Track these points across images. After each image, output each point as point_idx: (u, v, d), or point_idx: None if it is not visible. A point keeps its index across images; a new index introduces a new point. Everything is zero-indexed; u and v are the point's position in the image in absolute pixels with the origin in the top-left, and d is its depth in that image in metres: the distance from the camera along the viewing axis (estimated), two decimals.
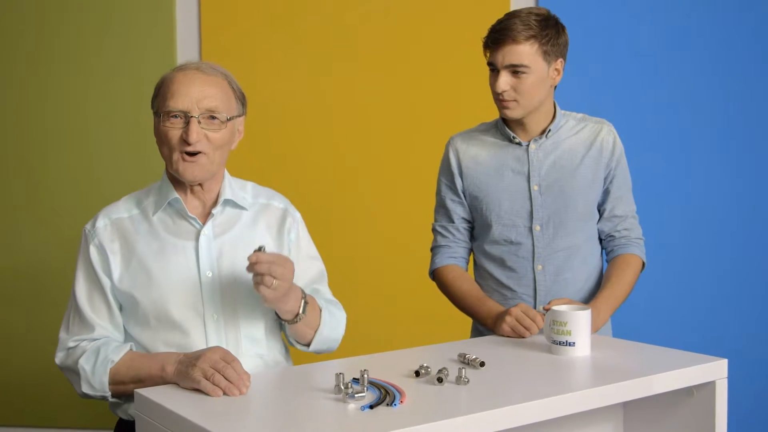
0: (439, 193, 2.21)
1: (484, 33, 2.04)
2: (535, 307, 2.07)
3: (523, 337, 1.92)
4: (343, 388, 1.41)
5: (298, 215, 1.92)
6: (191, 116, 1.69)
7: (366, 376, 1.44)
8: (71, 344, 1.72)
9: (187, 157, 1.70)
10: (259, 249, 1.60)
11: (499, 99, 2.03)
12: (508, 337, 1.94)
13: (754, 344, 3.25)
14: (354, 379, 1.48)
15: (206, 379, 1.46)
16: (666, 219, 3.20)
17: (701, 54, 3.24)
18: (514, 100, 2.01)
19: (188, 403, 1.42)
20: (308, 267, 1.90)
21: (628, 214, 2.14)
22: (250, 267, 1.58)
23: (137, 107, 3.11)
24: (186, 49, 3.19)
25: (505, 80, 1.99)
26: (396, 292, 3.22)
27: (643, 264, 2.13)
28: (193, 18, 3.18)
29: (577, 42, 3.10)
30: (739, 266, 3.29)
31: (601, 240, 2.17)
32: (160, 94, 1.74)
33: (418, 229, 3.18)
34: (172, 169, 1.73)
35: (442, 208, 2.21)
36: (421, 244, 3.16)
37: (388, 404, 1.36)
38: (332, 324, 1.83)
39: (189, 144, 1.68)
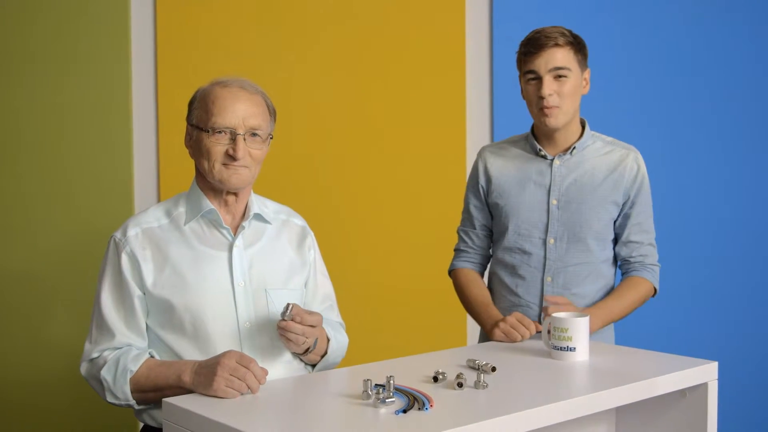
0: (465, 198, 2.32)
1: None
2: (539, 317, 2.15)
3: (515, 341, 2.00)
4: (372, 393, 1.45)
5: (313, 234, 2.02)
6: (238, 133, 1.75)
7: (392, 381, 1.48)
8: (94, 355, 1.73)
9: (230, 164, 1.76)
10: (287, 309, 1.68)
11: (542, 106, 2.09)
12: (500, 341, 2.02)
13: (741, 347, 3.44)
14: (377, 384, 1.52)
15: (227, 387, 1.52)
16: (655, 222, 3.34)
17: (687, 62, 3.42)
18: (557, 107, 2.08)
19: (219, 409, 1.45)
20: (323, 283, 2.00)
21: (645, 241, 2.19)
22: (280, 329, 1.69)
23: (89, 112, 3.07)
24: (140, 54, 3.12)
25: (549, 84, 2.06)
26: (386, 303, 3.25)
27: (655, 291, 2.20)
28: (148, 19, 3.12)
29: None
30: (727, 269, 3.46)
31: (618, 265, 2.23)
32: (201, 108, 1.78)
33: (411, 242, 3.25)
34: (214, 178, 1.78)
35: (466, 213, 2.33)
36: (412, 255, 3.22)
37: (419, 408, 1.41)
38: (337, 352, 1.93)
39: (236, 160, 1.75)
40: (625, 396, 1.62)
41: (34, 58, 3.08)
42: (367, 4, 3.22)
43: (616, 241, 2.21)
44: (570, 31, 2.11)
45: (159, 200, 3.10)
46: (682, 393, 1.78)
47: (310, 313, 1.71)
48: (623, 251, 2.20)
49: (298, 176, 3.20)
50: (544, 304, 2.11)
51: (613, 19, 3.34)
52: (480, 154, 2.29)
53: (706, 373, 1.76)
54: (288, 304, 1.68)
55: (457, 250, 2.35)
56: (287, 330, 1.68)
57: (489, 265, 2.33)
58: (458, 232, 2.36)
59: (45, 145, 3.09)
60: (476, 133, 3.26)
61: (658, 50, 3.39)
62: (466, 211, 2.32)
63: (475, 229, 2.29)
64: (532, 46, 2.09)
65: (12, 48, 3.08)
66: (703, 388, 1.76)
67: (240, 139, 1.76)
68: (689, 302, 3.41)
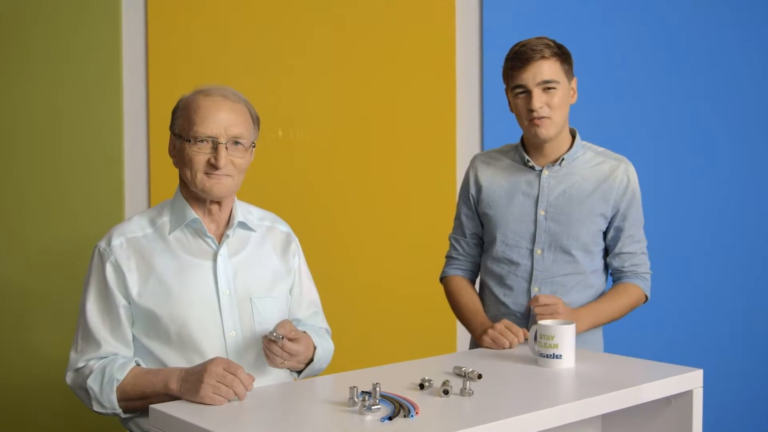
0: (457, 206, 2.34)
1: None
2: (527, 325, 2.15)
3: (503, 348, 2.01)
4: (358, 400, 1.46)
5: (297, 240, 2.02)
6: (219, 142, 1.76)
7: (378, 389, 1.49)
8: (80, 365, 1.73)
9: (212, 173, 1.76)
10: (274, 337, 1.68)
11: (532, 118, 2.08)
12: (488, 348, 2.03)
13: (727, 355, 3.47)
14: (363, 392, 1.53)
15: (214, 394, 1.51)
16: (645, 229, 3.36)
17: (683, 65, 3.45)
18: (548, 117, 2.08)
19: (206, 415, 1.45)
20: (309, 289, 2.01)
21: (638, 251, 2.20)
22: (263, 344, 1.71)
23: (80, 118, 3.07)
24: (131, 61, 3.12)
25: (539, 97, 2.06)
26: (375, 309, 3.25)
27: (646, 297, 2.21)
28: (139, 24, 3.12)
29: None
30: (715, 277, 3.49)
31: (610, 274, 2.24)
32: (184, 117, 1.79)
33: (400, 248, 3.25)
34: (197, 188, 1.78)
35: (457, 221, 2.34)
36: (401, 262, 3.23)
37: (405, 416, 1.42)
38: (323, 359, 1.94)
39: (217, 169, 1.75)
40: (610, 403, 1.62)
41: (25, 64, 3.07)
42: (358, 11, 3.23)
43: (607, 252, 2.22)
44: (554, 42, 2.11)
45: (149, 207, 3.11)
46: (667, 400, 1.79)
47: (296, 339, 1.72)
48: (616, 262, 2.21)
49: (288, 182, 3.20)
50: (534, 295, 2.11)
51: (602, 26, 3.37)
52: (472, 163, 2.30)
53: (691, 380, 1.77)
54: (281, 335, 1.69)
55: (448, 258, 2.37)
56: (267, 348, 1.71)
57: (479, 274, 2.34)
58: (449, 240, 2.37)
59: (38, 152, 3.09)
60: (466, 139, 3.27)
61: (648, 55, 3.41)
62: (458, 219, 2.33)
63: (465, 237, 2.31)
64: (519, 60, 2.08)
65: (4, 53, 3.09)
66: (688, 395, 1.77)
67: (222, 147, 1.76)
68: (676, 309, 3.42)
